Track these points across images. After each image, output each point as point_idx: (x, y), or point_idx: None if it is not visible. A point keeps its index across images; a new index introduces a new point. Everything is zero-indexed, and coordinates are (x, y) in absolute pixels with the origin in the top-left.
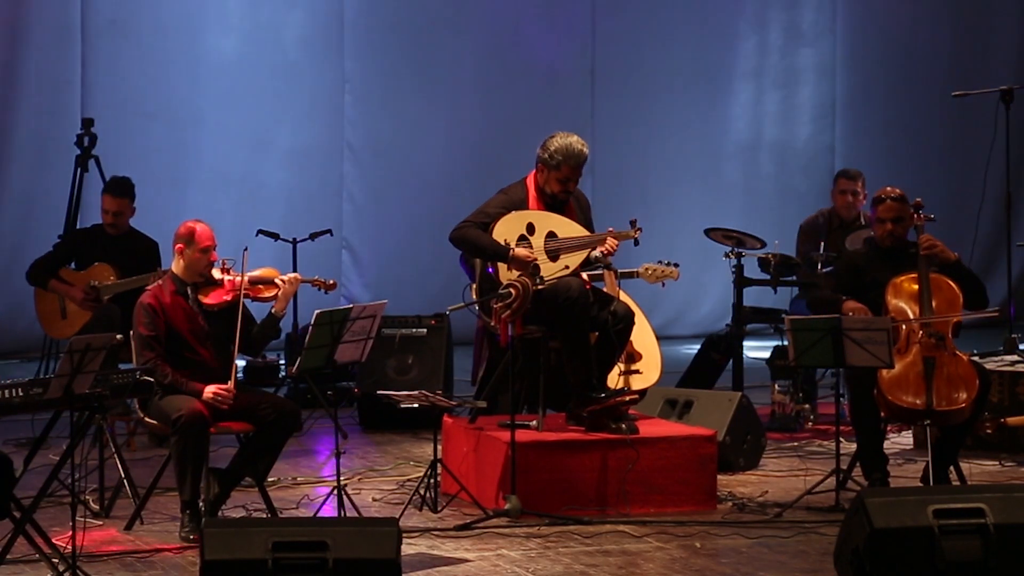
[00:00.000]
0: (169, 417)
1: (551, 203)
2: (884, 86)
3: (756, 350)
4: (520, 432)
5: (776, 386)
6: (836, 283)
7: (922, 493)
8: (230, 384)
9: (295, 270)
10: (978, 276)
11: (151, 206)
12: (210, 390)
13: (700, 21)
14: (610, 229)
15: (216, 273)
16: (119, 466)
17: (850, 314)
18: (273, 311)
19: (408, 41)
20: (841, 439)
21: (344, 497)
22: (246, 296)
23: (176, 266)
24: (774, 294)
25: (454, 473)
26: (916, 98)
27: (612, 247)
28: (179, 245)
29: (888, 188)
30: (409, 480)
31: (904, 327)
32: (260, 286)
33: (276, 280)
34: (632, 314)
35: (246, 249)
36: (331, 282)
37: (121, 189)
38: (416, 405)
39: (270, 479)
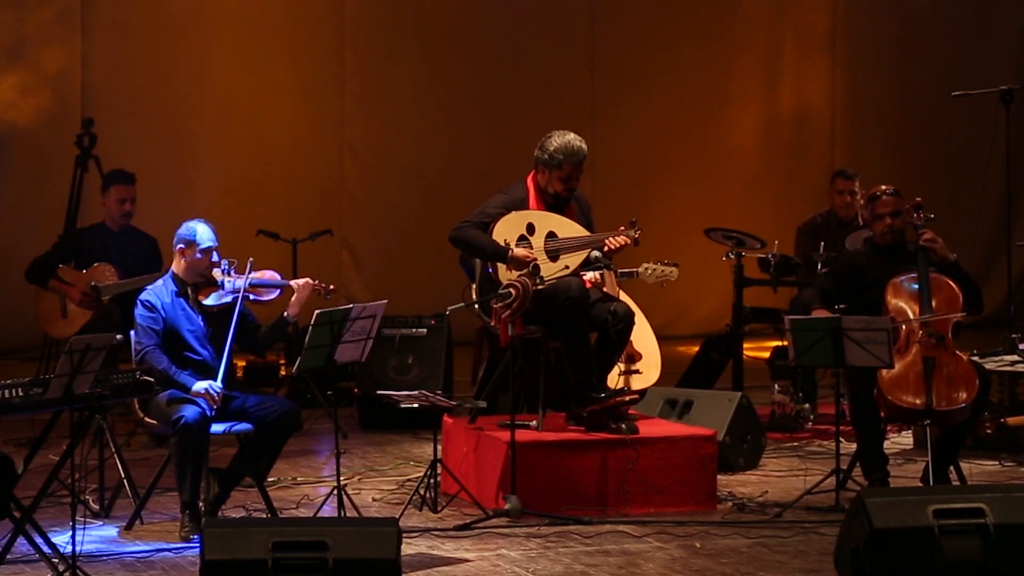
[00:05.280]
0: (169, 418)
1: (552, 203)
2: (884, 86)
3: (756, 350)
4: (520, 432)
5: (776, 386)
6: (833, 283)
7: (922, 493)
8: (220, 383)
9: (295, 270)
10: (975, 280)
11: (151, 206)
12: (200, 386)
13: (700, 21)
14: (621, 228)
15: (217, 274)
16: (119, 466)
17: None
18: (286, 314)
19: (408, 41)
20: (841, 439)
21: (344, 497)
22: (247, 295)
23: (177, 266)
24: (774, 294)
25: (454, 473)
26: (916, 98)
27: (619, 243)
28: (180, 246)
29: (883, 186)
30: (409, 480)
31: (904, 327)
32: (261, 288)
33: (291, 284)
34: (632, 314)
35: (251, 260)
36: (331, 286)
37: (128, 177)
38: (416, 405)
39: (270, 479)
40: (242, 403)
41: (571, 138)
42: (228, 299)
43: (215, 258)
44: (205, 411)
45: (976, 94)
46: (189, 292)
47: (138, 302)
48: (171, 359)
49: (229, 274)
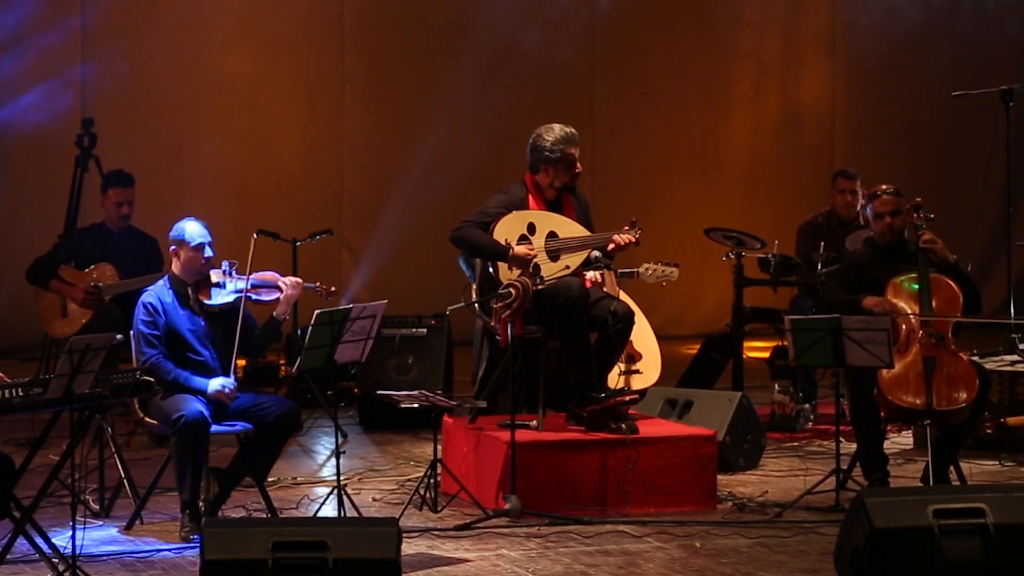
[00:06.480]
0: (169, 417)
1: (551, 200)
2: (884, 86)
3: (756, 350)
4: (520, 432)
5: (776, 386)
6: (841, 284)
7: (922, 493)
8: (231, 381)
9: (295, 270)
10: (974, 282)
11: (150, 206)
12: (216, 383)
13: (700, 21)
14: (625, 228)
15: (217, 275)
16: (119, 466)
17: (876, 310)
18: (275, 314)
19: (408, 41)
20: (841, 439)
21: (344, 497)
22: (248, 295)
23: (175, 267)
24: (774, 294)
25: (454, 473)
26: (916, 98)
27: (625, 240)
28: (173, 247)
29: (883, 185)
30: (409, 480)
31: (904, 327)
32: (261, 288)
33: (279, 283)
34: (632, 313)
35: (255, 235)
36: (332, 288)
37: (127, 179)
38: (416, 405)
39: (270, 479)
40: (242, 403)
41: (559, 128)
42: (230, 299)
43: (207, 253)
44: (206, 415)
45: (976, 94)
46: (189, 292)
47: (139, 304)
48: (173, 360)
49: (231, 275)
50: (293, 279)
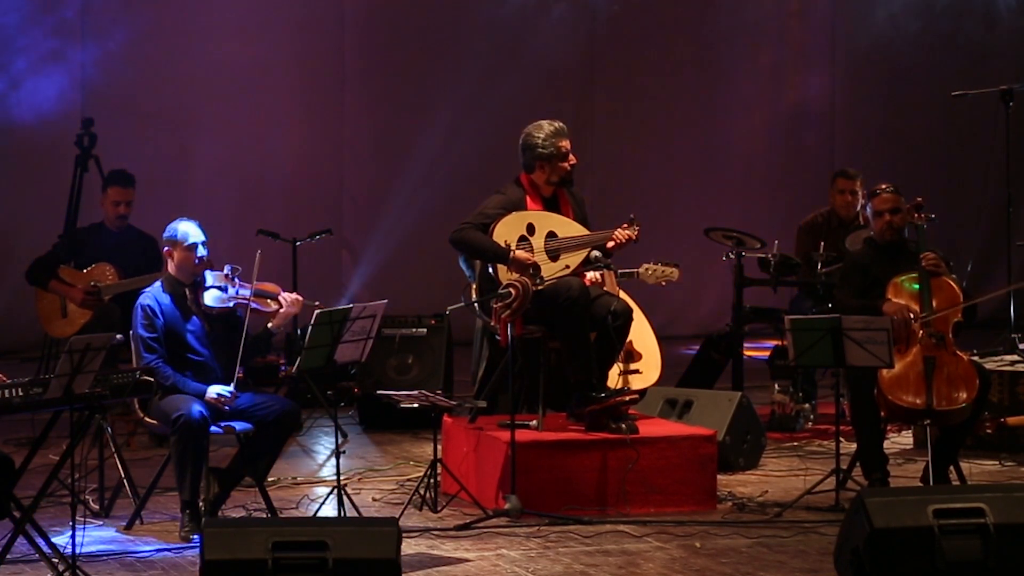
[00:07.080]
0: (169, 417)
1: (548, 198)
2: (884, 86)
3: (756, 350)
4: (520, 432)
5: (776, 386)
6: (851, 288)
7: (922, 493)
8: (232, 387)
9: (295, 270)
10: (974, 298)
11: (151, 206)
12: (213, 391)
13: (700, 21)
14: (624, 225)
15: (220, 277)
16: (119, 466)
17: (896, 316)
18: (270, 326)
19: (408, 41)
20: (841, 439)
21: (344, 497)
22: (249, 302)
23: (170, 267)
24: (774, 294)
25: (454, 473)
26: (916, 98)
27: (624, 237)
28: (166, 247)
29: (882, 184)
30: (409, 480)
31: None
32: (261, 299)
33: (280, 297)
34: (631, 310)
35: (259, 252)
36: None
37: (127, 179)
38: (416, 405)
39: (270, 479)
40: (242, 403)
41: (547, 124)
42: (230, 304)
43: (201, 252)
44: (206, 414)
45: (976, 94)
46: (187, 292)
47: (136, 306)
48: (172, 360)
49: (233, 280)
50: (293, 296)
